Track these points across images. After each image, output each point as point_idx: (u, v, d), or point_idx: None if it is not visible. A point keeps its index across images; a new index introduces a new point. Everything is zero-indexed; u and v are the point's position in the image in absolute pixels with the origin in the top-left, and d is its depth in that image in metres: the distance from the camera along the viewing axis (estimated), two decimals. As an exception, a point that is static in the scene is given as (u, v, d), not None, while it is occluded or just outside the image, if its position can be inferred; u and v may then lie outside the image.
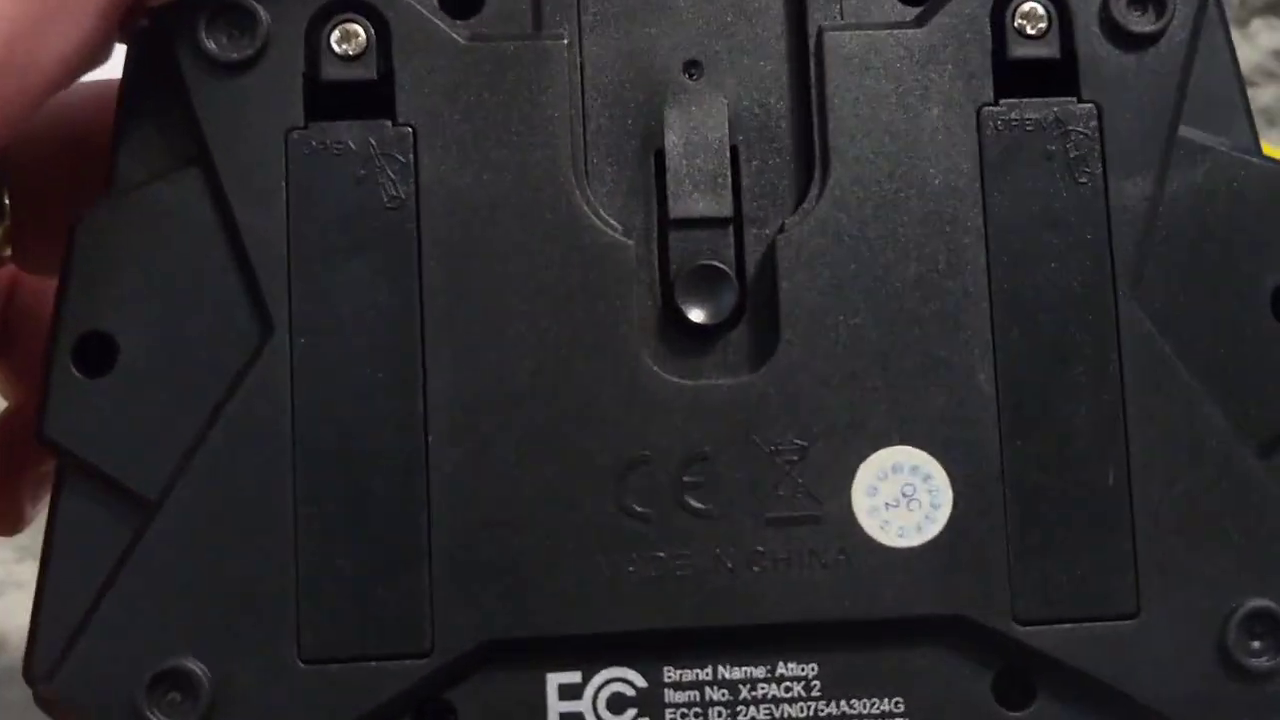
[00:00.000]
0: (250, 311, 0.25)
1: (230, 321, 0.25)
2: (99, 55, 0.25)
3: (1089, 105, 0.26)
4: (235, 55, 0.25)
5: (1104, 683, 0.24)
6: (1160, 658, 0.25)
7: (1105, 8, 0.26)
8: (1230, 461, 0.25)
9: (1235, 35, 0.61)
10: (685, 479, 0.25)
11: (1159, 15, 0.26)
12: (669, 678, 0.25)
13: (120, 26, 0.25)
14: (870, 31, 0.26)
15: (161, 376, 0.25)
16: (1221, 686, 0.25)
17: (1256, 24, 0.63)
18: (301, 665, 0.24)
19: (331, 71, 0.26)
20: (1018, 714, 0.25)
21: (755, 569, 0.25)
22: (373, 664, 0.25)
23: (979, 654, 0.25)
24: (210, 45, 0.25)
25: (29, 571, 0.55)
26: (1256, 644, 0.25)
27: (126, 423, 0.25)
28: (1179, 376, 0.25)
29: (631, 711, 0.25)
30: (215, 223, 0.25)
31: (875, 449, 0.25)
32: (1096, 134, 0.26)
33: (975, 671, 0.25)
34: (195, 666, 0.24)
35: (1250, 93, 0.59)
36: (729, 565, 0.25)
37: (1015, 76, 0.26)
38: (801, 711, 0.25)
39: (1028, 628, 0.25)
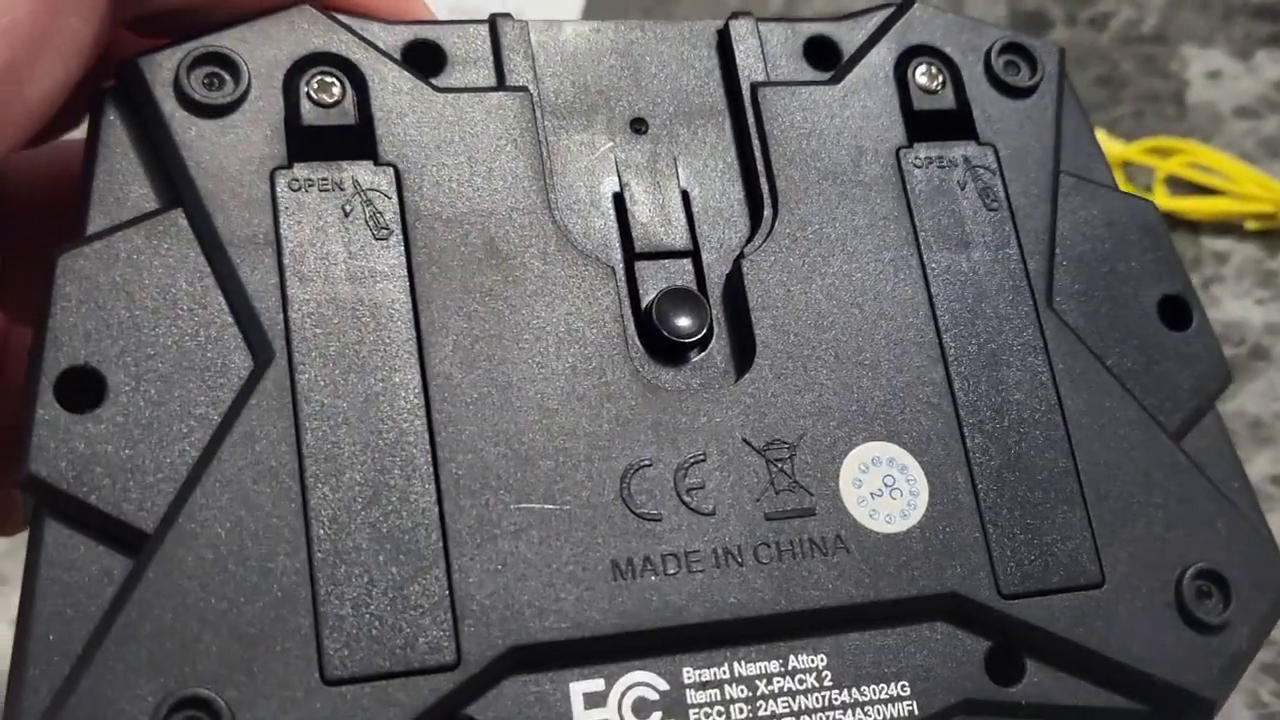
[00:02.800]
0: (244, 341, 0.24)
1: (222, 352, 0.24)
2: (76, 106, 0.25)
3: (987, 146, 0.29)
4: (218, 99, 0.25)
5: (1084, 647, 0.25)
6: (1129, 619, 0.26)
7: (988, 67, 0.29)
8: (1153, 444, 0.27)
9: (1239, 67, 0.61)
10: (687, 480, 0.25)
11: (1032, 73, 0.29)
12: (689, 679, 0.24)
13: (87, 87, 0.25)
14: (796, 88, 0.28)
15: (153, 409, 0.24)
16: (1184, 639, 0.26)
17: (1260, 56, 0.62)
18: (324, 686, 0.23)
19: (312, 117, 0.26)
20: (1012, 689, 0.25)
21: (763, 560, 0.25)
22: (399, 680, 0.23)
23: (970, 631, 0.25)
24: (192, 89, 0.25)
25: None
26: (1208, 601, 0.26)
27: (119, 456, 0.23)
28: (1099, 373, 0.27)
29: (657, 715, 0.24)
30: (202, 258, 0.25)
31: (855, 445, 0.26)
32: (997, 169, 0.28)
33: (968, 651, 0.25)
34: (213, 694, 0.22)
35: (1254, 124, 0.61)
36: (738, 560, 0.25)
37: (923, 124, 0.29)
38: (817, 702, 0.25)
39: (1012, 601, 0.25)
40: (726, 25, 0.29)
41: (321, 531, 0.23)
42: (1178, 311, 0.29)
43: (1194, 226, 0.58)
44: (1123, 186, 0.31)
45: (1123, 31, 0.63)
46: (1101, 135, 0.58)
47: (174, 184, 0.25)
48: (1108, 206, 0.29)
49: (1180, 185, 0.59)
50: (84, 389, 0.24)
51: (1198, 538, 0.27)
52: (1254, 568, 0.27)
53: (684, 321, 0.26)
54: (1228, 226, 0.58)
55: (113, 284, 0.24)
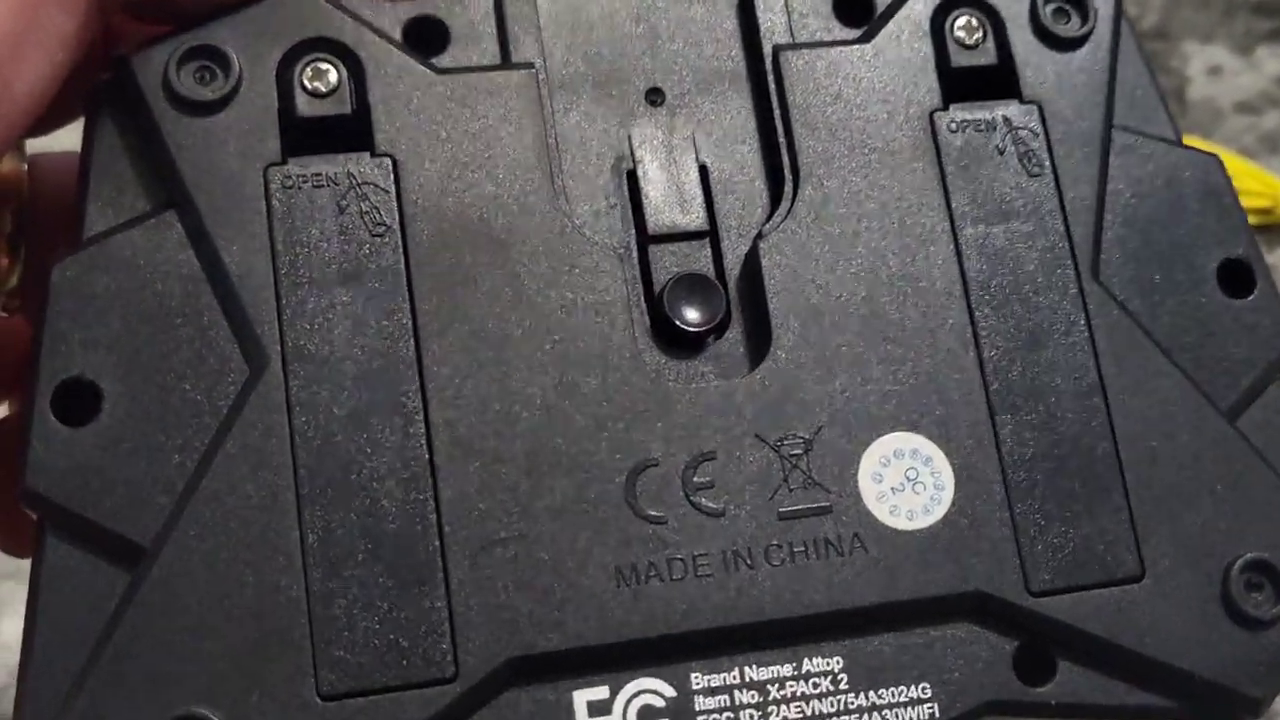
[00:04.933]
0: (239, 347, 0.22)
1: (218, 359, 0.22)
2: (74, 96, 0.23)
3: (1030, 105, 0.25)
4: (208, 95, 0.23)
5: (1120, 645, 0.23)
6: (1170, 615, 0.23)
7: (1034, 16, 0.26)
8: (1204, 425, 0.24)
9: (1240, 63, 0.59)
10: (695, 479, 0.23)
11: (1083, 20, 0.26)
12: (697, 684, 0.22)
13: (82, 81, 0.23)
14: (822, 49, 0.25)
15: (149, 420, 0.22)
16: (1230, 635, 0.23)
17: (1261, 51, 0.59)
18: (320, 702, 0.21)
19: (306, 108, 0.23)
20: (1042, 689, 0.23)
21: (774, 563, 0.22)
22: (396, 695, 0.21)
23: (997, 631, 0.23)
24: (182, 86, 0.23)
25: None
26: (1257, 595, 0.23)
27: (115, 470, 0.22)
28: (1146, 349, 0.24)
29: None
30: (196, 262, 0.23)
31: (876, 436, 0.23)
32: (1041, 130, 0.25)
33: (995, 650, 0.23)
34: (209, 713, 0.21)
35: (1254, 119, 0.58)
36: (748, 562, 0.22)
37: (960, 83, 0.25)
38: (831, 706, 0.22)
39: (1042, 599, 0.23)
40: None
41: (316, 544, 0.22)
42: (1239, 276, 0.26)
43: (1194, 221, 0.56)
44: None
45: (1124, 28, 0.61)
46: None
47: (168, 184, 0.23)
48: (1165, 163, 0.26)
49: (1180, 180, 0.56)
50: (80, 401, 0.22)
51: (1249, 526, 0.24)
52: None
53: (695, 311, 0.24)
54: (1227, 221, 0.56)
55: (107, 291, 0.22)
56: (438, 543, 0.22)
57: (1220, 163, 0.26)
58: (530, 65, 0.24)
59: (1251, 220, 0.56)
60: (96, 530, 0.21)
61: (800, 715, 0.22)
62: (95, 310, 0.22)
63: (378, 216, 0.23)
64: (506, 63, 0.25)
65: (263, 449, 0.22)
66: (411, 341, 0.23)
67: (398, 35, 0.24)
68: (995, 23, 0.26)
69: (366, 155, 0.23)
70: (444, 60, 0.24)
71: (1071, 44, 0.26)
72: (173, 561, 0.21)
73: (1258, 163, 0.57)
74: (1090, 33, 0.26)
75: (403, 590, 0.22)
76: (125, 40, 0.24)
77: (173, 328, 0.22)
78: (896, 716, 0.22)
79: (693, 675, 0.22)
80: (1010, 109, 0.25)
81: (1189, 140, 0.57)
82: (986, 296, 0.24)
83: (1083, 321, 0.24)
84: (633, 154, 0.25)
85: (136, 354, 0.22)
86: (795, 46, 0.25)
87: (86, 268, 0.22)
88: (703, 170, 0.25)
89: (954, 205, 0.25)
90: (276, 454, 0.22)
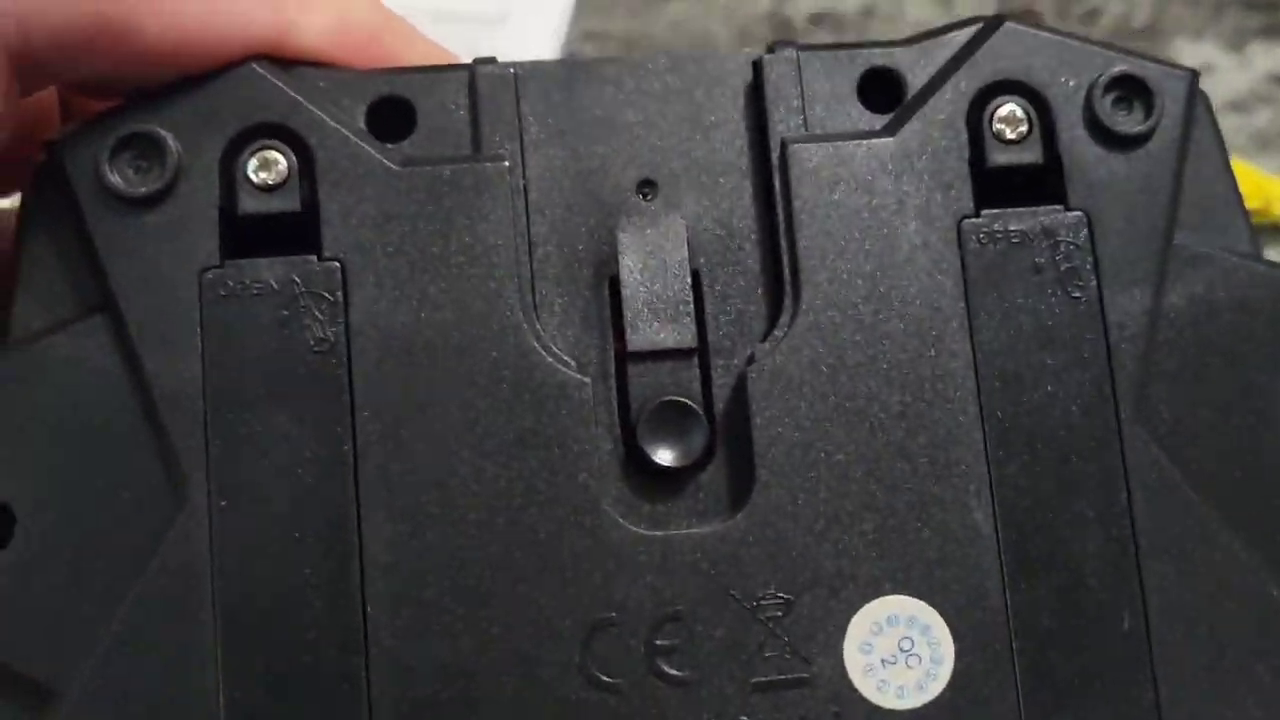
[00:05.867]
0: (165, 474, 0.20)
1: (143, 486, 0.20)
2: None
3: (1078, 213, 0.22)
4: (142, 190, 0.21)
5: None
6: None
7: (1090, 108, 0.22)
8: (1257, 596, 0.21)
9: (1231, 60, 0.56)
10: (658, 642, 0.20)
11: (1147, 114, 0.22)
12: None
13: (14, 161, 0.21)
14: (838, 144, 0.22)
15: (65, 550, 0.20)
16: None
17: (1253, 47, 0.56)
18: None
19: (250, 204, 0.21)
20: None
21: None
22: None
23: None
24: (114, 179, 0.20)
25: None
26: None
27: (26, 605, 0.20)
28: (1194, 505, 0.21)
29: None
30: (124, 376, 0.20)
31: (867, 600, 0.20)
32: (1088, 244, 0.21)
33: None
34: None
35: (1245, 117, 0.55)
36: None
37: (996, 185, 0.22)
38: None
39: None
40: (761, 59, 0.22)
41: (234, 700, 0.20)
42: None
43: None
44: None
45: (1115, 26, 0.58)
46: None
47: (98, 286, 0.21)
48: (1237, 282, 0.22)
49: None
50: None
51: None
52: None
53: (672, 450, 0.21)
54: (1216, 223, 0.53)
55: (27, 402, 0.20)
56: (365, 703, 0.20)
57: None
58: (501, 157, 0.21)
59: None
60: (4, 671, 0.20)
61: None
62: (13, 423, 0.20)
63: (320, 331, 0.21)
64: (477, 152, 0.22)
65: (182, 591, 0.20)
66: (350, 475, 0.20)
67: (361, 116, 0.22)
68: (1043, 113, 0.22)
69: (313, 259, 0.21)
70: (408, 148, 0.22)
71: (1131, 142, 0.22)
72: (81, 712, 0.19)
73: (1249, 161, 0.54)
74: (1155, 128, 0.22)
75: None
76: (80, 111, 0.22)
77: (95, 447, 0.20)
78: None
79: None
80: (1053, 218, 0.22)
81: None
82: (1008, 440, 0.21)
83: (1119, 472, 0.21)
84: (618, 258, 0.21)
85: (53, 474, 0.20)
86: (806, 139, 0.22)
87: (6, 374, 0.20)
88: (695, 277, 0.22)
89: (978, 331, 0.21)
90: (196, 597, 0.20)
